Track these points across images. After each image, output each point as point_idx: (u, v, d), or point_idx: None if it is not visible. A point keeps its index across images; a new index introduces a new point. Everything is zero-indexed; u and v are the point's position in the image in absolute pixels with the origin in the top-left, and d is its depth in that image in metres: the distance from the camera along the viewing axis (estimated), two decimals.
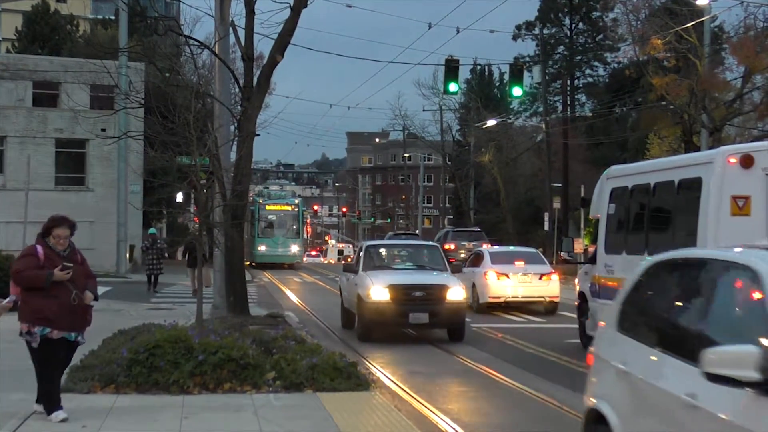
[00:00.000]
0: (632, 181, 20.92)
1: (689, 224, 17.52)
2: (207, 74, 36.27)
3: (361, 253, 25.63)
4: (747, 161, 16.74)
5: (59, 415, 12.12)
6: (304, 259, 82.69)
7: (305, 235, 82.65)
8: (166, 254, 35.91)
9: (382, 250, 26.62)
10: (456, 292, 23.22)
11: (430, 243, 29.31)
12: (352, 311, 24.79)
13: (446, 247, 54.66)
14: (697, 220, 17.15)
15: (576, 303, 23.74)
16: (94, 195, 54.13)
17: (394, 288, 23.05)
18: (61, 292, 12.02)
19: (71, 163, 55.62)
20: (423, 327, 23.44)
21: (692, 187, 17.66)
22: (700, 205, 17.10)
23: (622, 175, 21.90)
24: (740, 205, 16.67)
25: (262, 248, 66.11)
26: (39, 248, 12.18)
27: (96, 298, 12.44)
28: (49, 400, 12.25)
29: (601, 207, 22.27)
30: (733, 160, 16.84)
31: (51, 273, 11.96)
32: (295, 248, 67.83)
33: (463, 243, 56.73)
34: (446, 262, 25.45)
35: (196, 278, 33.40)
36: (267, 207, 68.53)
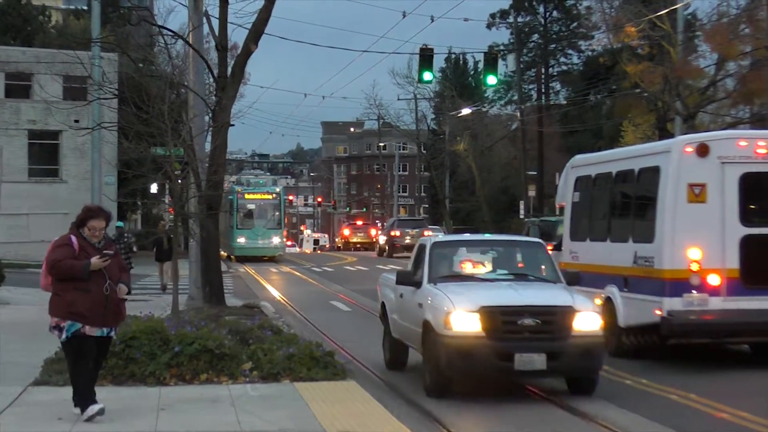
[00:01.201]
0: (595, 170, 21.49)
1: (649, 211, 18.16)
2: (181, 64, 36.12)
3: (426, 255, 16.48)
4: (703, 150, 17.36)
5: (93, 408, 11.81)
6: None
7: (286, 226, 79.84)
8: (135, 248, 35.75)
9: (458, 251, 17.13)
10: (588, 319, 14.56)
11: (531, 239, 19.23)
12: (408, 345, 16.85)
13: (392, 233, 68.54)
14: (656, 207, 17.75)
15: None
16: (68, 187, 53.86)
17: (490, 312, 14.26)
18: (94, 286, 11.69)
19: (44, 155, 55.38)
20: (538, 375, 14.91)
21: (651, 176, 18.22)
22: (659, 192, 17.69)
23: (585, 164, 22.46)
24: (696, 193, 17.28)
25: (242, 240, 62.25)
26: (73, 239, 11.87)
27: (129, 292, 12.21)
28: (79, 395, 11.95)
29: (566, 195, 22.86)
30: (689, 149, 17.47)
31: (88, 263, 11.63)
32: (276, 240, 63.86)
33: (407, 230, 67.95)
34: (558, 269, 16.72)
35: (166, 271, 33.28)
36: (246, 196, 64.32)
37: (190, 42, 26.07)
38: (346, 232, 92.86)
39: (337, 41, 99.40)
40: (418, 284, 16.02)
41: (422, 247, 17.15)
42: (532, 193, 65.69)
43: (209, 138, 26.57)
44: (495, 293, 15.01)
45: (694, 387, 15.14)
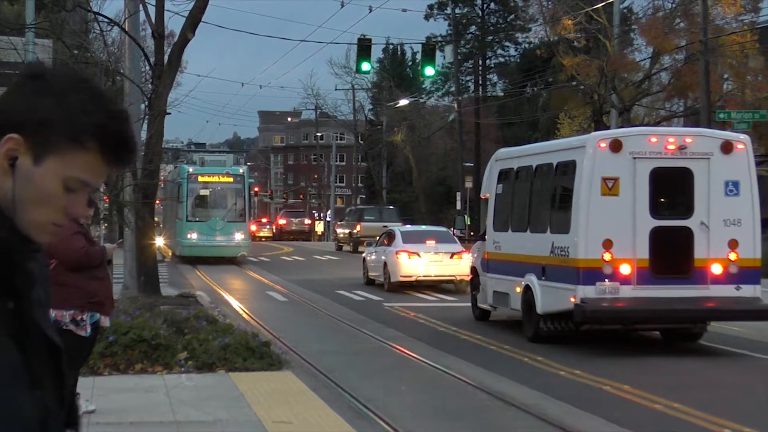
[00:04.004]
0: (517, 164, 22.26)
1: (565, 203, 19.04)
2: (117, 52, 35.80)
3: None
4: (616, 146, 18.21)
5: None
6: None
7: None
8: None
9: None
10: None
11: None
12: None
13: (280, 222, 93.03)
14: (571, 199, 18.58)
15: (470, 277, 25.14)
16: None
17: None
18: (105, 272, 11.01)
19: None
20: None
21: (568, 169, 19.09)
22: (574, 185, 18.49)
23: (508, 157, 23.21)
24: (610, 186, 18.11)
25: (193, 236, 46.96)
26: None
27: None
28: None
29: (490, 187, 23.58)
30: (603, 144, 18.31)
31: (104, 248, 11.03)
32: (239, 236, 47.78)
33: (292, 219, 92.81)
34: None
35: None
36: (200, 178, 49.03)
37: (126, 29, 25.84)
38: (253, 228, 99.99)
39: (275, 30, 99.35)
40: None
41: None
42: (469, 184, 65.88)
43: (145, 126, 26.37)
44: None
45: (622, 378, 15.30)
